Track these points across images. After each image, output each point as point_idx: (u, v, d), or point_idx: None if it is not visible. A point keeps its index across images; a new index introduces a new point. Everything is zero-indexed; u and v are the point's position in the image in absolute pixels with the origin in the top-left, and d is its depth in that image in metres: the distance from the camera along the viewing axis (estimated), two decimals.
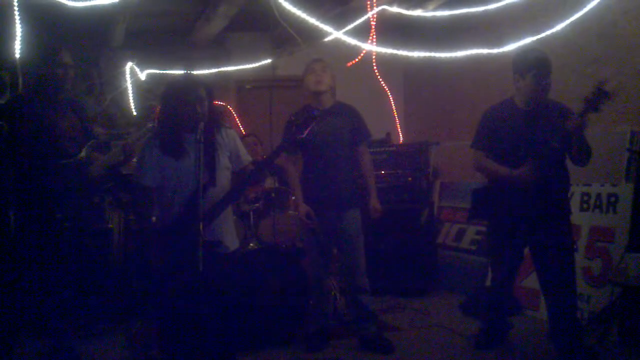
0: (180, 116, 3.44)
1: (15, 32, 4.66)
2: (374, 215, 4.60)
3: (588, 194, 4.88)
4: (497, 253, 4.21)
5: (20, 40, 4.69)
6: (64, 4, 4.62)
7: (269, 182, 5.69)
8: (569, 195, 4.25)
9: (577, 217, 4.68)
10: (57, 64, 3.94)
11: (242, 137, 6.23)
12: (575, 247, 4.34)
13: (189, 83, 3.52)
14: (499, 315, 4.35)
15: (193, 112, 3.41)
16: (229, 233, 3.64)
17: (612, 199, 4.70)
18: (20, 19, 4.63)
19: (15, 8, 4.58)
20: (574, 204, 4.82)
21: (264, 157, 3.72)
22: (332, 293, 5.31)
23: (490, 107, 4.18)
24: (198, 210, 3.14)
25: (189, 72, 3.68)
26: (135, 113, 6.85)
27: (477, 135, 4.18)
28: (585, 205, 4.88)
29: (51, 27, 5.39)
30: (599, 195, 4.81)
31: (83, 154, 4.01)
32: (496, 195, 4.06)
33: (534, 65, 3.85)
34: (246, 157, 3.71)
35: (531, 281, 4.92)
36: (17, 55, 4.76)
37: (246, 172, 3.64)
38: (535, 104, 3.94)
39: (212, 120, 3.53)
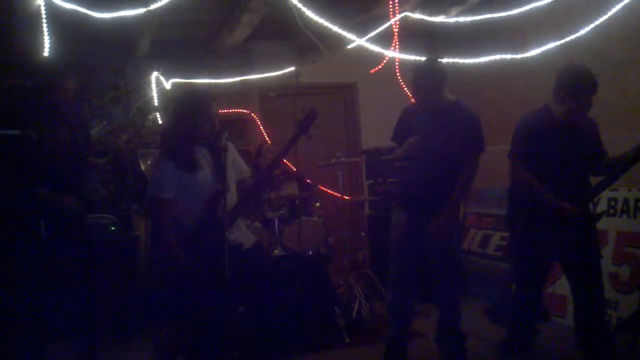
0: (200, 130, 3.52)
1: (43, 43, 4.74)
2: (436, 225, 4.02)
3: (615, 199, 4.84)
4: (525, 265, 4.15)
5: (49, 51, 4.78)
6: (90, 15, 4.70)
7: (292, 189, 5.72)
8: (595, 200, 4.23)
9: (604, 222, 4.64)
10: (58, 89, 4.02)
11: (261, 147, 6.31)
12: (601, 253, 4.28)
13: (206, 96, 3.60)
14: (525, 322, 4.32)
15: (212, 125, 3.51)
16: (243, 232, 3.75)
17: None
18: (48, 31, 4.72)
19: (44, 20, 4.66)
20: (601, 209, 4.78)
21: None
22: (357, 299, 5.33)
23: (527, 115, 4.05)
24: (222, 216, 3.22)
25: (194, 84, 3.79)
26: (160, 122, 6.92)
27: (516, 144, 4.03)
28: (612, 211, 4.83)
29: (78, 38, 5.48)
30: (626, 200, 4.76)
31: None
32: (532, 213, 4.00)
33: (576, 93, 3.79)
34: (245, 168, 3.82)
35: (558, 288, 4.88)
36: None
37: (250, 184, 3.74)
38: (573, 119, 3.92)
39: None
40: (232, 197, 3.56)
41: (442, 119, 4.04)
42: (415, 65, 4.24)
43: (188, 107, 3.56)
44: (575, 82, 3.79)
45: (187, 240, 3.47)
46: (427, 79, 4.05)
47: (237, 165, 3.76)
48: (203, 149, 3.59)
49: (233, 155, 3.71)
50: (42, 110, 3.96)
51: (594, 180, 3.98)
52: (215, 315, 3.41)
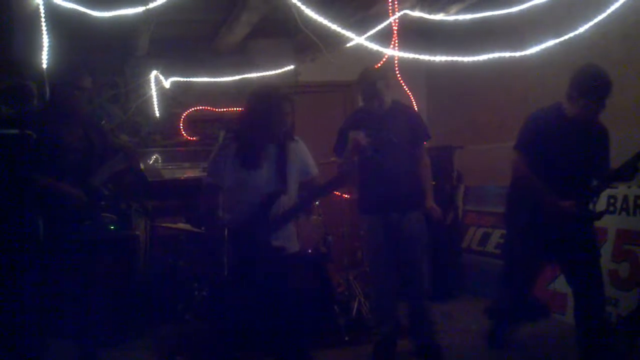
0: (272, 129, 3.51)
1: (42, 42, 4.73)
2: (435, 215, 4.45)
3: (614, 197, 4.84)
4: (521, 261, 4.15)
5: (48, 51, 4.77)
6: (89, 14, 4.70)
7: None
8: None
9: (603, 220, 4.63)
10: (77, 87, 4.08)
11: None
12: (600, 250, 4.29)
13: (282, 96, 3.59)
14: (511, 317, 4.35)
15: (283, 125, 3.51)
16: (291, 237, 3.70)
17: (639, 202, 4.65)
18: (47, 30, 4.71)
19: (42, 19, 4.65)
20: (600, 206, 4.78)
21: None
22: (357, 297, 5.33)
23: (538, 111, 4.07)
24: (274, 217, 3.39)
25: (275, 85, 3.83)
26: (159, 121, 6.93)
27: (523, 138, 4.04)
28: (611, 208, 4.83)
29: (77, 37, 5.47)
30: (625, 198, 4.76)
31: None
32: (530, 210, 3.99)
33: (589, 94, 3.77)
34: (314, 169, 3.75)
35: (558, 285, 4.89)
36: (45, 66, 4.84)
37: (318, 185, 3.71)
38: (584, 120, 3.90)
39: (287, 132, 3.62)
40: (288, 199, 3.53)
41: (387, 121, 4.30)
42: (359, 76, 4.47)
43: (264, 106, 3.52)
44: (589, 83, 3.77)
45: (232, 234, 3.47)
46: (367, 88, 4.36)
47: (305, 165, 3.68)
48: (271, 147, 3.56)
49: (299, 154, 3.66)
50: (60, 109, 4.08)
51: None
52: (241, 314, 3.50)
